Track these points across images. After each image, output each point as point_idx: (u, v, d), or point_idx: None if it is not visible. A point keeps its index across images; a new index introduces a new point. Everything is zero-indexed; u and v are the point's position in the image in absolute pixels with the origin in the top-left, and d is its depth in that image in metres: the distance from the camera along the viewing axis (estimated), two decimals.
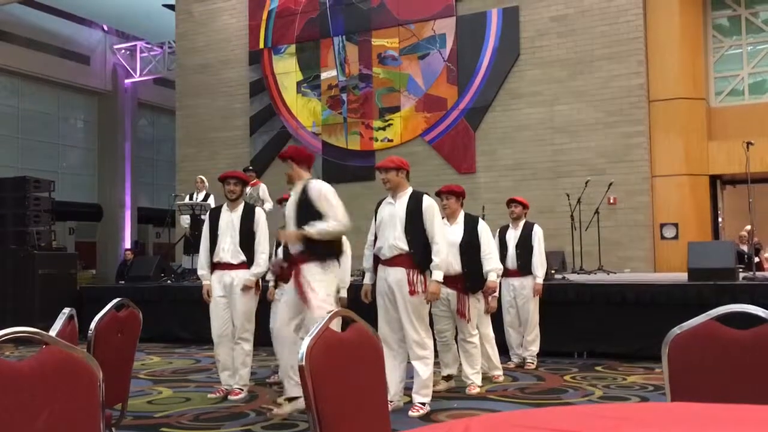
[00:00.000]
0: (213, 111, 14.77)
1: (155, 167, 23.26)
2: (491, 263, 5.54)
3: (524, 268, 6.66)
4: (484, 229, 5.64)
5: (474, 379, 5.61)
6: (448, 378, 5.70)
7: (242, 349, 5.51)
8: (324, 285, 4.62)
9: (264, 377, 6.39)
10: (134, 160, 21.89)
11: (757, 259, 9.91)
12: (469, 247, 5.50)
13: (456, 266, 5.43)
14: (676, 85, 11.53)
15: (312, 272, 4.61)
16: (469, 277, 5.46)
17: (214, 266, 5.54)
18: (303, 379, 1.81)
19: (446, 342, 5.61)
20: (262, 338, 6.04)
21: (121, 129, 21.50)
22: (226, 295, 5.50)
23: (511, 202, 6.85)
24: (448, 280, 5.36)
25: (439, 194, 5.61)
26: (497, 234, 6.92)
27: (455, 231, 5.54)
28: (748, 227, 9.96)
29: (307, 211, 4.64)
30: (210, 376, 6.55)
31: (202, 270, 5.63)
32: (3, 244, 10.03)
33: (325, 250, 4.65)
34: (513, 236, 6.74)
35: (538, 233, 6.68)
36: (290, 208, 4.79)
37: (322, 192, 4.66)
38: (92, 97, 21.41)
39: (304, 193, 4.70)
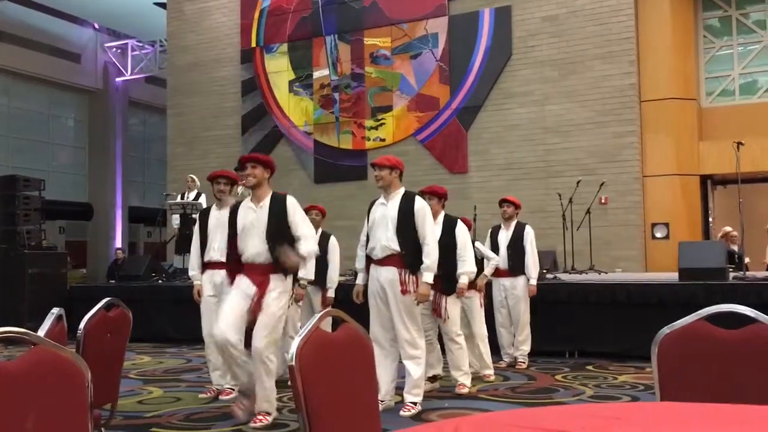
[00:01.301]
0: (204, 110, 14.73)
1: (146, 166, 23.17)
2: (464, 266, 5.48)
3: (515, 268, 6.67)
4: (461, 230, 5.61)
5: (462, 380, 5.59)
6: (433, 379, 5.65)
7: None
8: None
9: None
10: (125, 159, 21.80)
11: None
12: (447, 249, 5.48)
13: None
14: (667, 86, 11.57)
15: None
16: (445, 278, 5.42)
17: (205, 266, 5.53)
18: (293, 379, 1.81)
19: (430, 341, 5.56)
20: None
21: (112, 128, 21.40)
22: (217, 295, 5.48)
23: (503, 202, 6.86)
24: None
25: (421, 194, 5.56)
26: (489, 234, 6.94)
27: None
28: (728, 228, 10.01)
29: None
30: (201, 376, 6.53)
31: (193, 270, 5.63)
32: None
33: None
34: (505, 237, 6.76)
35: (530, 234, 6.70)
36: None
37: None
38: (83, 96, 21.30)
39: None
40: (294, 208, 4.69)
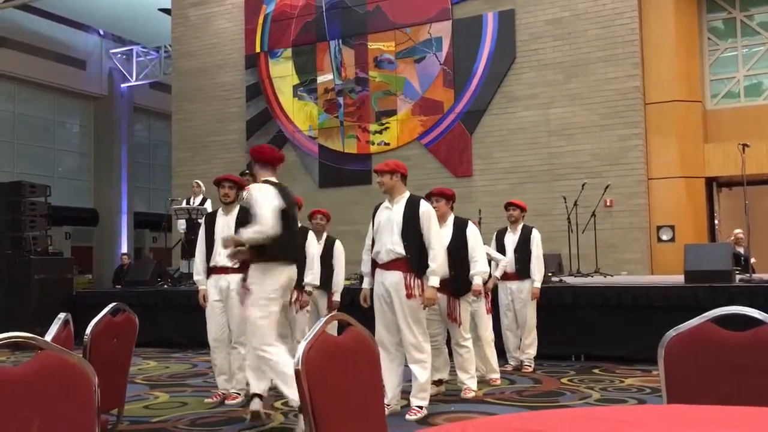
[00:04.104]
0: (209, 115, 14.76)
1: (151, 172, 23.24)
2: (477, 266, 5.48)
3: (522, 271, 6.66)
4: (472, 231, 5.60)
5: (469, 384, 5.57)
6: (438, 383, 5.63)
7: (239, 354, 5.50)
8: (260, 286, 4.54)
9: None
10: (130, 165, 21.86)
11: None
12: (457, 250, 5.47)
13: (446, 270, 5.39)
14: (672, 88, 11.55)
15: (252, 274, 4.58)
16: (456, 280, 5.42)
17: (211, 270, 5.54)
18: (299, 383, 1.81)
19: (437, 346, 5.56)
20: None
21: (117, 133, 21.48)
22: (223, 300, 5.49)
23: (509, 205, 6.85)
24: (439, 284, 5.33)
25: (429, 196, 5.54)
26: (495, 237, 6.92)
27: (444, 234, 5.48)
28: (738, 230, 9.98)
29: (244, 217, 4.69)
30: (207, 381, 6.54)
31: (198, 275, 5.63)
32: None
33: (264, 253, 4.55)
34: (511, 240, 6.75)
35: (536, 237, 6.69)
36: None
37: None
38: (88, 102, 21.39)
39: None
40: (251, 195, 4.57)
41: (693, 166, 11.58)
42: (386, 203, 4.98)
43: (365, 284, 5.12)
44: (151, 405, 5.59)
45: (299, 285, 6.00)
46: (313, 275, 6.00)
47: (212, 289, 5.51)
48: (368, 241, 5.07)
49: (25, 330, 1.82)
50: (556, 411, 1.76)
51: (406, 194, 4.95)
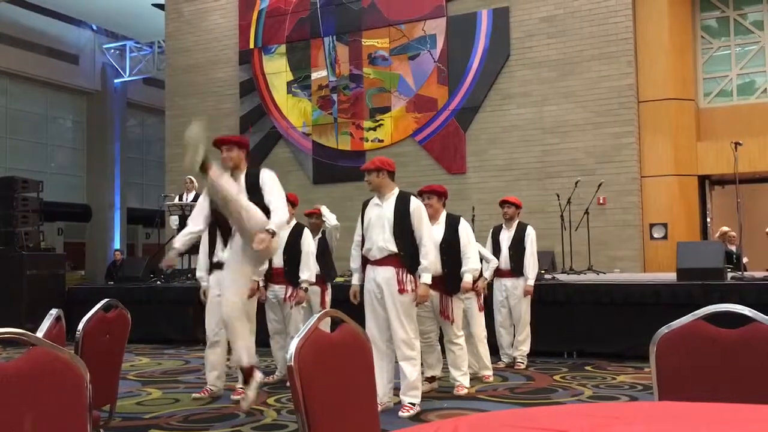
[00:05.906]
0: (202, 111, 14.69)
1: (145, 167, 23.14)
2: (468, 264, 5.48)
3: (517, 269, 6.68)
4: (464, 228, 5.59)
5: (461, 381, 5.58)
6: (431, 379, 5.64)
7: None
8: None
9: None
10: (123, 161, 21.77)
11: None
12: (450, 247, 5.47)
13: (438, 266, 5.40)
14: (665, 86, 11.58)
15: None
16: (449, 278, 5.42)
17: (214, 266, 5.50)
18: (292, 379, 1.81)
19: (430, 343, 5.56)
20: (256, 338, 6.02)
21: (111, 129, 21.37)
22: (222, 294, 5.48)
23: (504, 203, 6.85)
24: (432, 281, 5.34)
25: (420, 194, 5.51)
26: (491, 234, 6.93)
27: (437, 231, 5.47)
28: (725, 228, 10.02)
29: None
30: (199, 377, 6.52)
31: (201, 271, 5.66)
32: None
33: None
34: (506, 237, 6.76)
35: (531, 235, 6.70)
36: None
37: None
38: (81, 97, 21.28)
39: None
40: (265, 179, 4.72)
41: (686, 164, 11.62)
42: (375, 200, 4.98)
43: (354, 280, 5.11)
44: (144, 401, 5.59)
45: (295, 282, 6.00)
46: (309, 272, 6.00)
47: (214, 285, 5.49)
48: (357, 238, 5.06)
49: (16, 326, 1.81)
50: (548, 408, 1.77)
51: (396, 191, 4.95)
